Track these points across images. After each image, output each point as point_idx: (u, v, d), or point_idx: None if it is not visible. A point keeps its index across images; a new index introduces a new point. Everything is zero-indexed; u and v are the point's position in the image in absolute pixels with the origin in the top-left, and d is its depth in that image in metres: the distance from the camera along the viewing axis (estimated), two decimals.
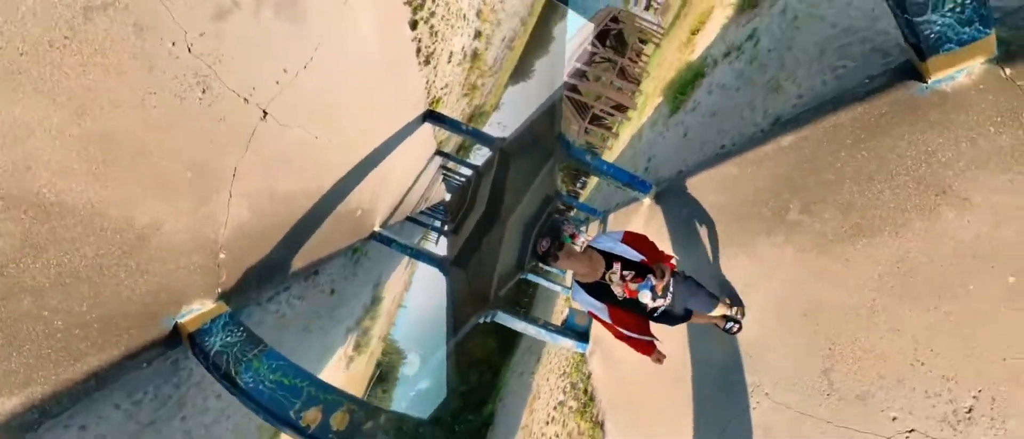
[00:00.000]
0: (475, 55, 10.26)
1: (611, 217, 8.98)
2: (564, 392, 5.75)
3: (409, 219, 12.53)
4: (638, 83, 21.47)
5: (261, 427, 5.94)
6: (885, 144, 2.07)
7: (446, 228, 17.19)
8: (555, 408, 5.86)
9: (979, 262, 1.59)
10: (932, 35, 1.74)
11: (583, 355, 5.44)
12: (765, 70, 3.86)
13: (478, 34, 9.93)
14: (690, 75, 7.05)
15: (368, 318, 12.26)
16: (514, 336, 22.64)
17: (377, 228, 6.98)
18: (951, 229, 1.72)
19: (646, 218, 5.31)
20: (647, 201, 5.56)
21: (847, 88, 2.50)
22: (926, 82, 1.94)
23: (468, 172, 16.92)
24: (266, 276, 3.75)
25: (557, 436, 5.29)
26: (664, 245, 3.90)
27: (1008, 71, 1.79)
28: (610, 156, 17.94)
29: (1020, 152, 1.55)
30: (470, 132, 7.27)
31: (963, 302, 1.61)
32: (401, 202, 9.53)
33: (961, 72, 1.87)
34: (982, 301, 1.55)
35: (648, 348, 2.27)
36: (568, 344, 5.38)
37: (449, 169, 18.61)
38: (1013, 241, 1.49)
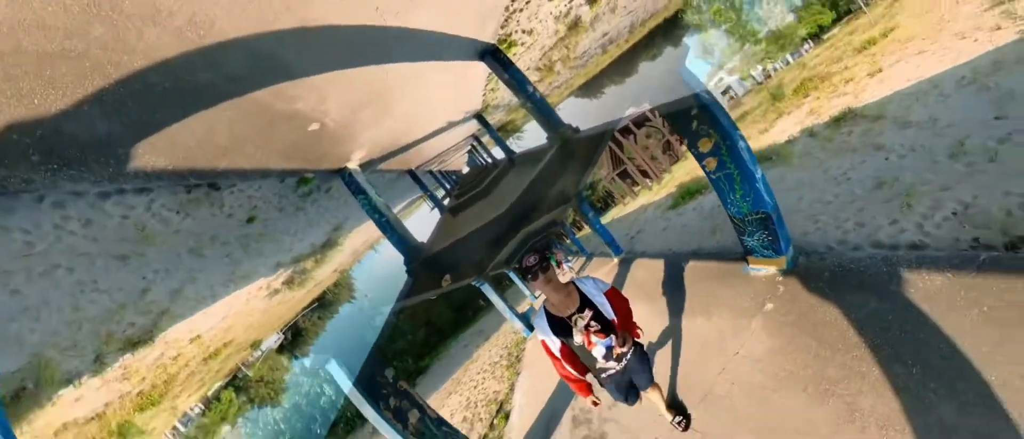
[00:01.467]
0: (576, 25, 8.15)
1: (594, 260, 10.70)
2: (500, 356, 7.51)
3: (411, 173, 10.72)
4: (674, 161, 23.05)
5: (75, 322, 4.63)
6: (710, 285, 3.84)
7: (446, 202, 16.56)
8: (490, 365, 7.63)
9: (701, 343, 3.34)
10: (747, 246, 3.43)
11: (525, 338, 7.19)
12: (720, 215, 5.54)
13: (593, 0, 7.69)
14: (695, 188, 8.73)
15: (312, 259, 10.46)
16: (469, 317, 24.45)
17: (352, 165, 5.30)
18: (696, 325, 3.52)
19: (608, 271, 7.02)
20: (615, 260, 7.26)
21: (732, 249, 4.20)
22: (747, 265, 3.63)
23: (500, 156, 14.75)
24: (59, 151, 2.19)
25: (483, 379, 7.07)
26: None
27: (780, 278, 3.47)
28: (622, 212, 19.58)
29: (742, 309, 3.26)
30: (536, 100, 5.06)
31: (694, 353, 3.39)
32: (406, 148, 7.38)
33: (762, 269, 3.55)
34: (701, 353, 3.31)
35: (585, 390, 2.30)
36: (519, 325, 7.13)
37: (480, 142, 15.52)
38: (713, 339, 3.22)
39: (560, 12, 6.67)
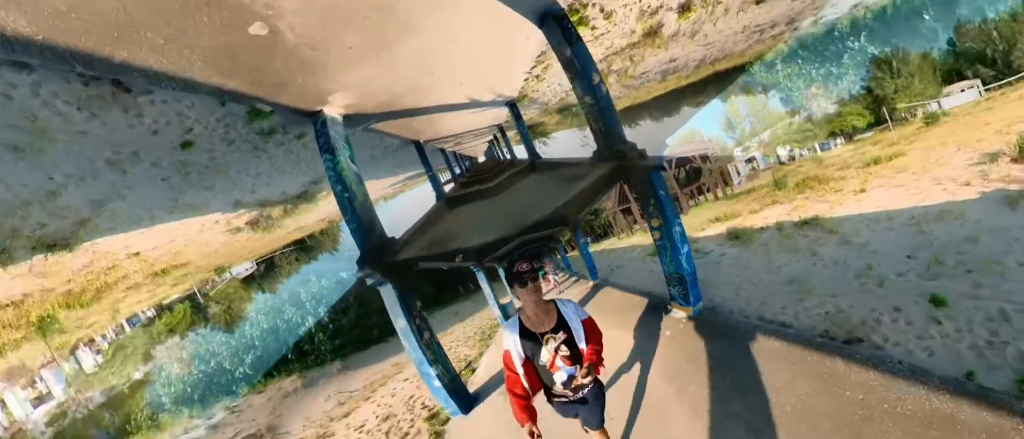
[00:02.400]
0: (655, 33, 7.43)
1: (573, 279, 12.37)
2: (474, 333, 9.18)
3: (417, 145, 9.71)
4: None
5: None
6: (642, 314, 5.46)
7: (448, 189, 15.56)
8: (464, 338, 9.30)
9: (620, 346, 4.97)
10: (671, 294, 5.09)
11: (500, 324, 8.88)
12: None
13: (685, 9, 6.90)
14: None
15: (281, 207, 10.04)
16: (447, 299, 26.04)
17: (330, 111, 4.36)
18: (621, 336, 5.14)
19: (582, 291, 8.69)
20: (591, 283, 8.94)
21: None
22: (669, 307, 5.30)
23: (515, 156, 14.07)
24: None
25: (456, 346, 8.73)
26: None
27: (684, 320, 5.12)
28: (614, 245, 21.21)
29: (652, 332, 4.91)
30: (601, 97, 4.23)
31: (614, 351, 4.99)
32: (414, 113, 6.27)
33: (677, 312, 5.21)
34: (617, 351, 4.94)
35: (524, 417, 2.19)
36: (497, 312, 8.79)
37: (504, 135, 14.47)
38: (627, 345, 4.87)
39: (647, 7, 5.70)
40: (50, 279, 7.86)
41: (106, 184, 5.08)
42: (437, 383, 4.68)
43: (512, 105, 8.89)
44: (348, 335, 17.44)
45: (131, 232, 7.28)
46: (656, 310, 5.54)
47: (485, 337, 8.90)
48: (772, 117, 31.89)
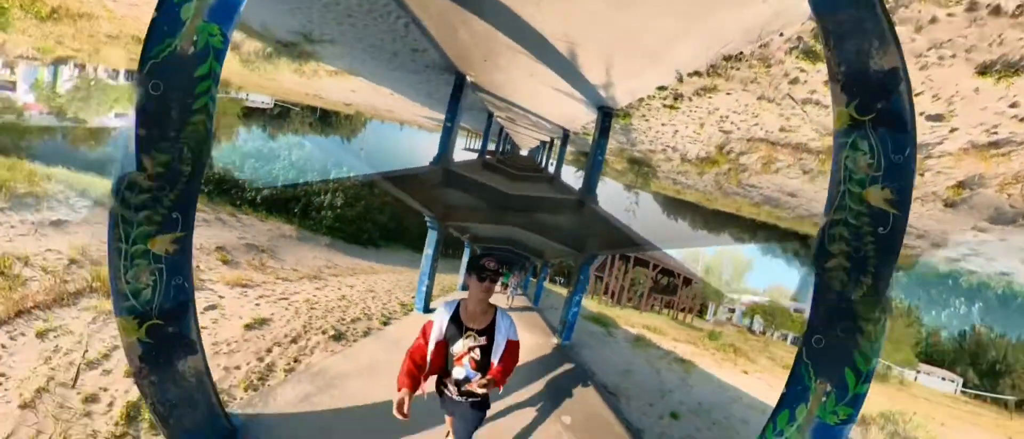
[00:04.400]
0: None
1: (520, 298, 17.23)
2: (436, 285, 14.10)
3: (458, 78, 8.55)
4: (635, 306, 29.46)
5: None
6: (542, 337, 10.32)
7: (480, 155, 16.20)
8: None
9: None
10: (555, 329, 9.91)
11: (457, 289, 13.77)
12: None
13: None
14: (604, 320, 15.26)
15: (261, 49, 9.97)
16: (418, 246, 30.54)
17: None
18: (525, 340, 10.02)
19: (519, 307, 13.53)
20: (528, 305, 13.78)
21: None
22: (554, 335, 10.13)
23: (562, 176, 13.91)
24: None
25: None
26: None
27: (555, 343, 9.95)
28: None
29: (540, 342, 9.75)
30: (903, 174, 2.28)
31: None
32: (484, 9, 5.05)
33: (555, 339, 10.03)
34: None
35: (407, 383, 2.50)
36: (461, 281, 13.67)
37: (565, 145, 13.27)
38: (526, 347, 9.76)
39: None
40: None
41: None
42: (423, 288, 9.55)
43: (607, 114, 7.69)
44: (345, 225, 21.85)
45: None
46: (547, 337, 10.41)
47: (446, 290, 13.68)
48: (745, 289, 36.52)
